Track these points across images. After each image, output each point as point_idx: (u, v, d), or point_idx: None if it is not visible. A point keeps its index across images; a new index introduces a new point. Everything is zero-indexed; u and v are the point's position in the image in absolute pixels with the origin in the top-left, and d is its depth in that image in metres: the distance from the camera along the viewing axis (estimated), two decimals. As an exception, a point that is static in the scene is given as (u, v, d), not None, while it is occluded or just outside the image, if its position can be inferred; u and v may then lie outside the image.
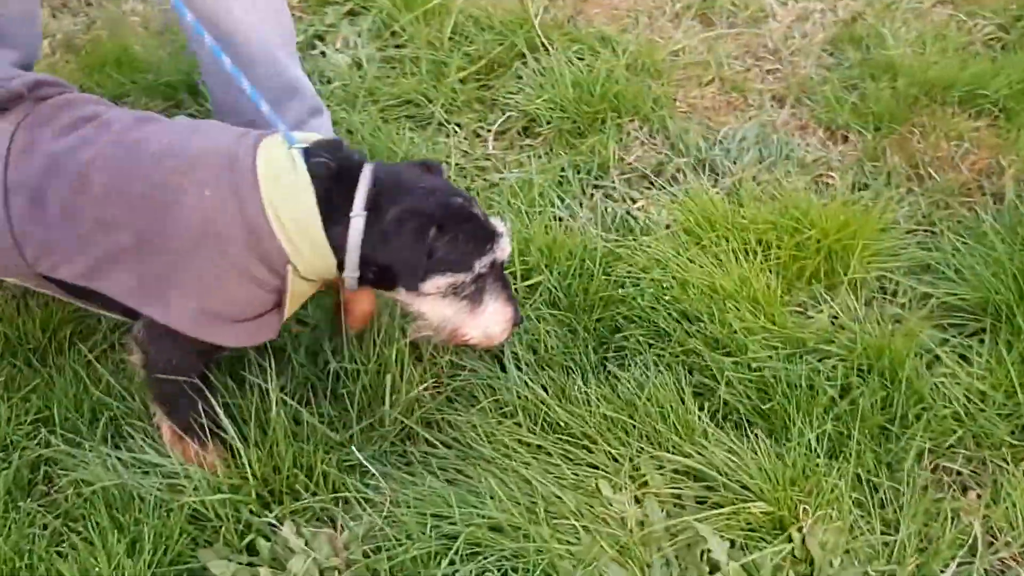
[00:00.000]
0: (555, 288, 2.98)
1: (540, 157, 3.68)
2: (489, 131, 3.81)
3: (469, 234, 2.43)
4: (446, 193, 2.47)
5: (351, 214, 2.36)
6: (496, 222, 2.51)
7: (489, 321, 2.51)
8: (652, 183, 3.58)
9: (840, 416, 2.64)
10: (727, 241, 3.04)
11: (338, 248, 2.39)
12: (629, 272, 2.97)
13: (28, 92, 2.47)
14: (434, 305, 2.47)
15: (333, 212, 2.37)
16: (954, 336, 2.96)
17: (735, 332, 2.79)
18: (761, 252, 3.07)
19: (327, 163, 2.40)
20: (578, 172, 3.57)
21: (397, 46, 4.16)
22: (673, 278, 2.88)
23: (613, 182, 3.56)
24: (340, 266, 2.42)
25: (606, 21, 4.51)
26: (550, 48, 4.09)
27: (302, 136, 2.47)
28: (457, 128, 3.82)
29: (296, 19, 4.34)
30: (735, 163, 3.66)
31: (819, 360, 2.79)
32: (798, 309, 3.03)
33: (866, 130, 3.84)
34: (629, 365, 2.72)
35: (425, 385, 2.70)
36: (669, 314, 2.81)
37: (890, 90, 4.02)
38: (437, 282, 2.42)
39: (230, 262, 2.34)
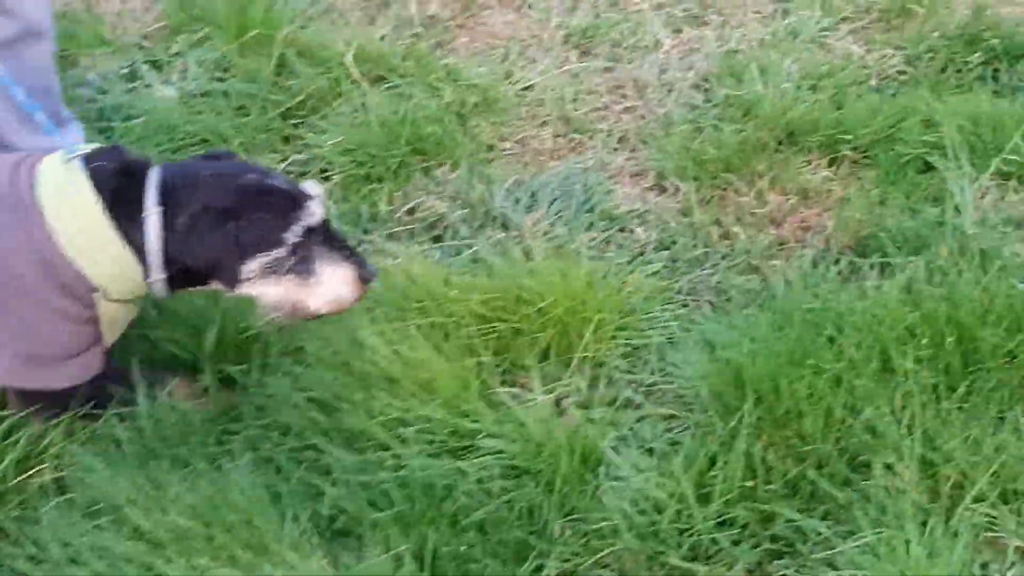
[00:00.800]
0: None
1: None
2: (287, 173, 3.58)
3: (269, 210, 2.32)
4: (238, 174, 2.38)
5: (144, 213, 2.26)
6: (305, 186, 2.40)
7: (329, 289, 2.38)
8: (436, 238, 3.31)
9: (467, 528, 2.32)
10: (424, 315, 2.73)
11: (140, 251, 2.29)
12: (285, 350, 2.68)
13: None
14: (257, 288, 2.36)
15: (124, 213, 2.28)
16: (667, 431, 2.61)
17: (389, 424, 2.49)
18: (475, 326, 2.76)
19: (107, 166, 2.31)
20: (346, 224, 3.31)
21: (220, 79, 3.95)
22: (311, 360, 2.59)
23: (387, 235, 3.30)
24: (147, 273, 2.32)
25: (476, 50, 4.24)
26: (366, 85, 3.83)
27: (81, 148, 2.38)
28: (254, 170, 3.59)
29: (140, 48, 4.20)
30: (529, 213, 3.36)
31: (487, 456, 2.48)
32: (516, 391, 2.71)
33: (686, 180, 3.47)
34: (233, 462, 2.44)
35: (28, 473, 2.47)
36: (295, 403, 2.51)
37: (738, 133, 3.64)
38: (250, 266, 2.31)
39: (32, 301, 2.27)
